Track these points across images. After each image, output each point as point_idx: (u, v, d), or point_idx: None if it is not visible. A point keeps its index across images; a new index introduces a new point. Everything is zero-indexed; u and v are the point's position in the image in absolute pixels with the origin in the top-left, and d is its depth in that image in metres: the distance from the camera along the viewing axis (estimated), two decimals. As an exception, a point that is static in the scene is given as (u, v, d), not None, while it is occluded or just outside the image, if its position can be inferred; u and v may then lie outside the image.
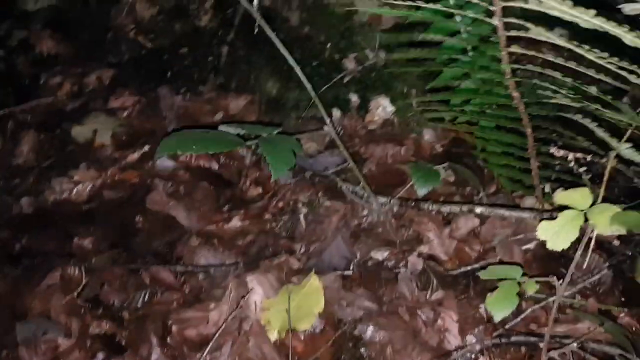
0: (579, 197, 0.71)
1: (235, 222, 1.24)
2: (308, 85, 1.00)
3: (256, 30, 0.88)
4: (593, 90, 0.76)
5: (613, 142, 0.79)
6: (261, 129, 1.00)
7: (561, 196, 0.72)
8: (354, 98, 1.45)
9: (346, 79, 1.45)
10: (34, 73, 1.57)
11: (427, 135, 1.36)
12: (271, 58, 1.47)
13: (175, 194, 1.29)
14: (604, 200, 0.74)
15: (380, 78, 1.42)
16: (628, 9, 0.69)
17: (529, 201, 1.09)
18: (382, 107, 1.41)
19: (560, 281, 0.86)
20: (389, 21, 1.41)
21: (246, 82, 1.50)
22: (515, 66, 0.83)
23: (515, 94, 0.87)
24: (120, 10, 1.58)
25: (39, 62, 1.59)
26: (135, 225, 1.26)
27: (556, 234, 0.69)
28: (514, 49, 0.80)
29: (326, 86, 1.42)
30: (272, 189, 1.31)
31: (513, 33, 0.78)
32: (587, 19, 0.63)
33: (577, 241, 0.76)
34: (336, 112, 1.42)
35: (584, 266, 1.09)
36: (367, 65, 1.43)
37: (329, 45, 1.48)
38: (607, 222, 0.67)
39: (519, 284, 0.84)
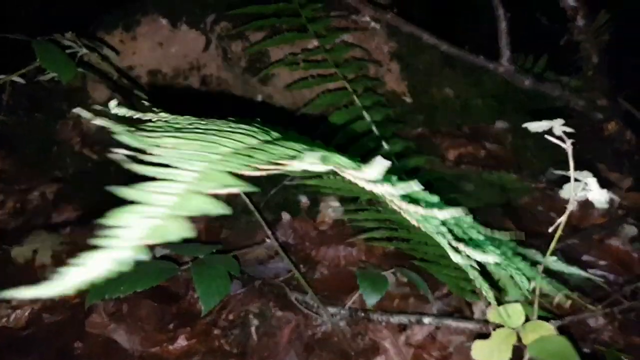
0: (511, 313, 0.70)
1: (181, 342, 1.18)
2: (246, 199, 0.99)
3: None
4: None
5: (538, 256, 0.78)
6: (198, 249, 0.97)
7: (494, 313, 0.70)
8: (304, 200, 1.44)
9: (295, 182, 1.44)
10: (-24, 192, 1.53)
11: (378, 234, 1.34)
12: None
13: (116, 314, 1.22)
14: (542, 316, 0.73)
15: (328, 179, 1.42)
16: (533, 127, 0.71)
17: (482, 304, 1.07)
18: (332, 208, 1.40)
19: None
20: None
21: (195, 189, 1.48)
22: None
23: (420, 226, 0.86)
24: (66, 123, 1.57)
25: (-19, 180, 1.55)
26: (74, 352, 1.18)
27: (490, 354, 0.67)
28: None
29: (274, 190, 1.41)
30: (221, 300, 1.26)
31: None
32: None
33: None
34: (285, 216, 1.41)
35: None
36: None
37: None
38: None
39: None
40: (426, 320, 1.00)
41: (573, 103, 1.58)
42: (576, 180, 0.75)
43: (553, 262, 0.77)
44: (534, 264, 0.79)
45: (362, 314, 1.10)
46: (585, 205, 1.36)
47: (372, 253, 1.33)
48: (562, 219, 0.73)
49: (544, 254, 0.90)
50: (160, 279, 0.84)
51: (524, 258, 0.78)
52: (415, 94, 1.46)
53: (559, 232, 0.75)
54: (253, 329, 1.19)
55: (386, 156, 1.12)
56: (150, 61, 1.55)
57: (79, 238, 1.38)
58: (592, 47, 1.70)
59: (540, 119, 1.01)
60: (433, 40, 1.40)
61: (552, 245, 0.75)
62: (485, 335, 0.83)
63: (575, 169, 0.85)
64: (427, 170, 1.12)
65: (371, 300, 1.04)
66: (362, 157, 1.03)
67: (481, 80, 1.49)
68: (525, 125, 0.73)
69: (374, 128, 1.08)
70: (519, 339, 0.75)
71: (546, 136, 0.72)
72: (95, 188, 1.51)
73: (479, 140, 1.43)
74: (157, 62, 1.55)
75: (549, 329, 0.71)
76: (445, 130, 1.43)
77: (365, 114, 1.07)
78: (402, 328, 1.14)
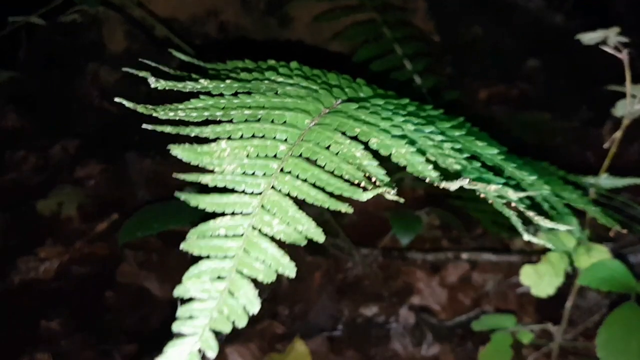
0: (563, 237, 0.67)
1: (213, 288, 1.17)
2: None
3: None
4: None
5: (589, 177, 0.74)
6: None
7: (544, 237, 0.67)
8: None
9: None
10: (-3, 149, 1.52)
11: (408, 179, 1.31)
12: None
13: (147, 264, 1.21)
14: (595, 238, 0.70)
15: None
16: (586, 38, 0.66)
17: (519, 242, 1.04)
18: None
19: (557, 327, 0.80)
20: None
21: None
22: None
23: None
24: (84, 78, 1.54)
25: (1, 137, 1.54)
26: (105, 300, 1.18)
27: (540, 279, 0.64)
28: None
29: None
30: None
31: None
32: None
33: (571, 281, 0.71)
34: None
35: (584, 305, 1.03)
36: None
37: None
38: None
39: (514, 333, 0.79)
40: (465, 255, 0.97)
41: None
42: (633, 96, 0.70)
43: (605, 179, 0.73)
44: (584, 189, 0.75)
45: (396, 253, 1.07)
46: (622, 142, 1.32)
47: (402, 197, 1.30)
48: (617, 135, 0.69)
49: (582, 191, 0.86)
50: (194, 218, 0.82)
51: (576, 185, 0.74)
52: (443, 32, 1.40)
53: (613, 149, 0.71)
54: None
55: (418, 91, 1.08)
56: (166, 9, 1.50)
57: (104, 189, 1.37)
58: (624, -18, 1.63)
59: (573, 57, 0.95)
60: (461, -25, 1.34)
61: (606, 162, 0.71)
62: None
63: (608, 107, 0.81)
64: (459, 108, 1.09)
65: (405, 239, 1.02)
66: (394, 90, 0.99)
67: (511, 17, 1.43)
68: (578, 36, 0.68)
69: (406, 62, 1.03)
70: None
71: (601, 46, 0.67)
72: (118, 141, 1.49)
73: (510, 80, 1.38)
74: (172, 10, 1.51)
75: (603, 251, 0.68)
76: (475, 69, 1.38)
77: (396, 46, 1.03)
78: (436, 269, 1.11)
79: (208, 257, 0.39)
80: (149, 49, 1.49)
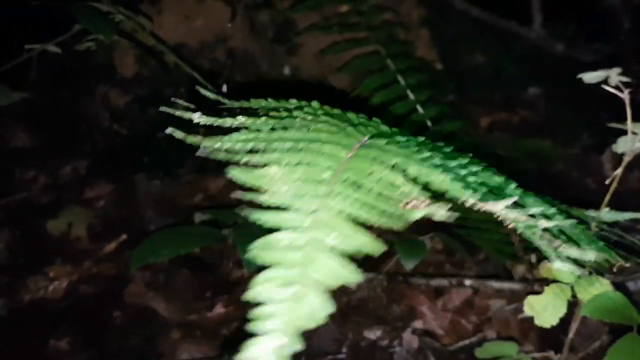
0: (564, 269, 0.69)
1: (219, 309, 1.19)
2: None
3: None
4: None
5: (590, 211, 0.76)
6: (237, 215, 0.97)
7: (546, 269, 0.70)
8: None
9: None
10: (8, 168, 1.54)
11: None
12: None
13: (154, 284, 1.23)
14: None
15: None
16: (588, 77, 0.69)
17: (521, 268, 1.06)
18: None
19: (558, 355, 0.82)
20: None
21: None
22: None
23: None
24: (94, 99, 1.58)
25: (12, 156, 1.57)
26: (113, 320, 1.20)
27: (543, 310, 0.66)
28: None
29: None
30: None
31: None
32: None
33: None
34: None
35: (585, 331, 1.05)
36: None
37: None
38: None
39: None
40: (467, 282, 0.99)
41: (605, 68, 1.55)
42: (633, 133, 0.73)
43: (606, 213, 0.76)
44: (586, 222, 0.78)
45: (400, 278, 1.10)
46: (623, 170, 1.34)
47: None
48: (619, 171, 0.72)
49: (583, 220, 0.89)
50: (203, 243, 0.85)
51: (579, 220, 0.77)
52: (445, 60, 1.44)
53: (614, 184, 0.73)
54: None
55: (420, 121, 1.11)
56: (176, 35, 1.54)
57: (113, 210, 1.40)
58: (624, 11, 1.66)
59: (574, 84, 0.98)
60: (464, 5, 1.38)
61: (607, 197, 0.73)
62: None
63: (608, 134, 0.84)
64: (462, 137, 1.12)
65: (409, 264, 1.04)
66: (396, 121, 1.02)
67: (513, 46, 1.47)
68: (580, 75, 0.70)
69: (409, 92, 1.07)
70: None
71: (602, 86, 0.70)
72: (127, 163, 1.52)
73: (511, 107, 1.42)
74: (182, 35, 1.55)
75: (604, 284, 0.70)
76: (477, 97, 1.41)
77: (399, 78, 1.07)
78: (439, 293, 1.13)
79: (273, 266, 0.40)
80: (159, 74, 1.52)
